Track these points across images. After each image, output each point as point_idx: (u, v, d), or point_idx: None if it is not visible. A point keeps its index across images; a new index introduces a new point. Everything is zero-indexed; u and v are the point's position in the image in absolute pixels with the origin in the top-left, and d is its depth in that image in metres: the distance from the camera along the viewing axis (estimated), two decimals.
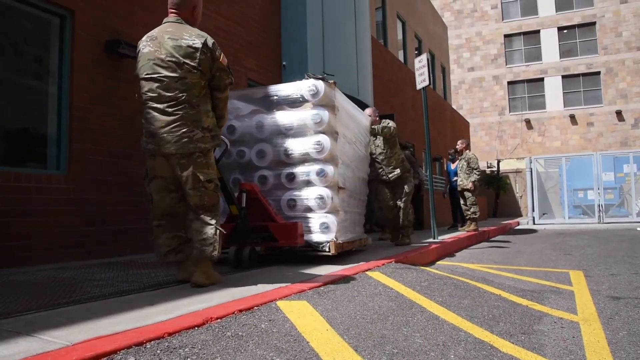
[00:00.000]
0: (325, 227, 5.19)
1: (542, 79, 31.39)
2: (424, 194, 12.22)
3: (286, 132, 5.44)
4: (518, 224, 18.70)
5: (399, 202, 7.43)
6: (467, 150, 11.23)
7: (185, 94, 3.43)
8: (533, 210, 18.84)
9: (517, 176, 26.70)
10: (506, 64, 32.33)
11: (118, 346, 2.18)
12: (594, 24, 30.50)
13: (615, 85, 29.69)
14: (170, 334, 2.38)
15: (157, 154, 3.49)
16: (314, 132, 5.34)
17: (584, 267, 6.13)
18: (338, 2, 10.54)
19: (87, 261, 5.58)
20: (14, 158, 5.52)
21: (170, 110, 3.40)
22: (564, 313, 3.57)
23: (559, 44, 31.26)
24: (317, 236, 5.19)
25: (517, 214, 26.03)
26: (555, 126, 30.55)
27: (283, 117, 5.45)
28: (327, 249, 5.09)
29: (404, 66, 17.05)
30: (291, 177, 5.37)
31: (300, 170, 5.35)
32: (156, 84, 3.44)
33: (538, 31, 31.70)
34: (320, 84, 5.34)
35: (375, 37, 14.82)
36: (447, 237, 9.09)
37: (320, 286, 3.69)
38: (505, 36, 32.47)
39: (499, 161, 27.49)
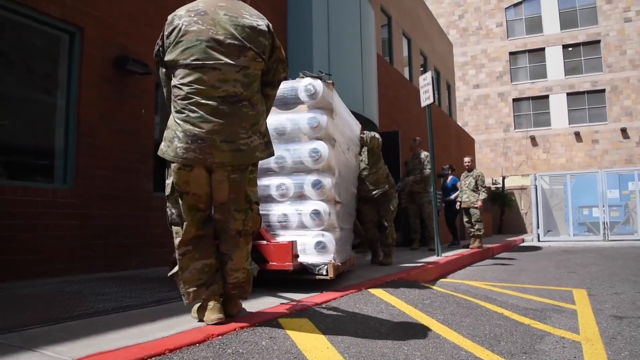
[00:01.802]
0: (321, 247, 4.51)
1: (547, 96, 31.43)
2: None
3: (277, 137, 4.71)
4: (523, 240, 18.64)
5: (385, 222, 6.95)
6: (475, 168, 11.23)
7: (245, 88, 2.72)
8: (538, 227, 18.78)
9: (522, 193, 26.64)
10: (511, 81, 32.41)
11: None
12: (598, 42, 30.60)
13: (620, 103, 29.70)
14: (171, 351, 2.40)
15: (197, 164, 2.68)
16: (310, 137, 4.74)
17: (587, 285, 6.11)
18: (344, 18, 10.65)
19: (92, 275, 5.61)
20: (21, 172, 5.59)
21: (226, 108, 2.64)
22: (566, 332, 3.56)
23: (564, 62, 31.34)
24: (312, 257, 4.47)
25: (522, 230, 25.94)
26: (560, 143, 30.54)
27: (273, 120, 4.61)
28: (325, 272, 4.39)
29: (409, 83, 17.14)
30: (282, 188, 4.70)
31: (293, 181, 4.71)
32: (209, 74, 2.63)
33: (543, 49, 31.81)
34: (319, 84, 4.73)
35: (381, 54, 14.93)
36: (450, 254, 9.08)
37: (321, 303, 3.70)
38: (511, 54, 32.60)
39: (504, 178, 27.46)
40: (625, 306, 4.63)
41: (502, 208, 25.96)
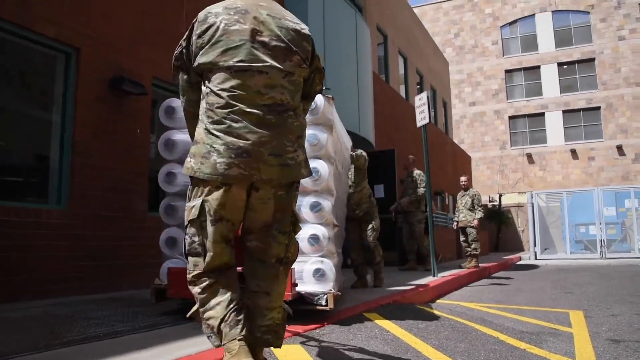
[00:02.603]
0: (320, 275, 4.19)
1: (542, 114, 31.61)
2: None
3: None
4: (520, 259, 18.60)
5: (370, 242, 6.87)
6: (471, 187, 11.26)
7: (292, 97, 2.37)
8: (535, 245, 18.76)
9: (518, 210, 26.67)
10: (507, 99, 32.61)
11: None
12: (593, 60, 30.87)
13: (615, 120, 29.88)
14: None
15: (240, 182, 2.26)
16: (309, 156, 4.48)
17: (584, 306, 6.08)
18: (340, 37, 10.72)
19: (84, 296, 5.56)
20: (16, 192, 5.57)
21: (272, 118, 2.28)
22: (562, 358, 3.53)
23: (559, 79, 31.58)
24: (310, 286, 4.15)
25: (519, 248, 25.91)
26: (556, 160, 30.65)
27: None
28: (324, 303, 4.05)
29: (405, 101, 17.23)
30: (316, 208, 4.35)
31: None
32: (255, 78, 2.26)
33: (538, 67, 32.07)
34: (320, 99, 4.46)
35: (377, 72, 15.01)
36: (447, 274, 9.05)
37: (315, 329, 3.67)
38: (506, 71, 32.84)
39: (500, 195, 27.50)
40: (622, 329, 4.60)
41: (498, 226, 25.97)
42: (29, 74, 5.89)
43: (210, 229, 2.27)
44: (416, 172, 10.40)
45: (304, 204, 4.36)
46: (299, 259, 3.96)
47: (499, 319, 5.05)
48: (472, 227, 10.75)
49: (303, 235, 4.19)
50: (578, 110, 30.93)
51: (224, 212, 2.28)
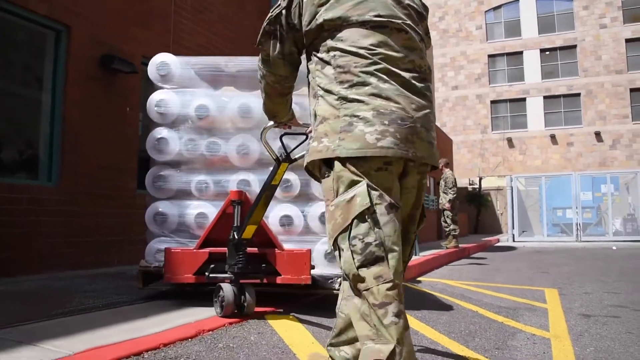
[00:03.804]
0: (332, 256, 3.77)
1: (524, 99, 31.97)
2: None
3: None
4: (498, 241, 19.00)
5: None
6: (446, 169, 11.56)
7: (427, 66, 1.89)
8: (513, 227, 19.17)
9: (498, 194, 27.10)
10: (489, 84, 32.89)
11: (117, 356, 2.32)
12: (574, 46, 31.22)
13: (594, 107, 30.36)
14: (165, 345, 2.53)
15: (396, 158, 1.72)
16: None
17: (559, 285, 6.35)
18: None
19: (75, 272, 5.67)
20: (6, 169, 5.63)
21: (417, 85, 1.79)
22: (537, 330, 3.76)
23: (541, 65, 31.91)
24: (321, 269, 3.83)
25: (498, 230, 26.39)
26: (536, 145, 31.10)
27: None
28: (338, 286, 3.60)
29: None
30: (287, 185, 3.99)
31: (299, 177, 4.04)
32: (394, 36, 1.79)
33: (521, 52, 32.34)
34: None
35: None
36: (428, 253, 9.30)
37: (308, 302, 3.85)
38: (489, 56, 33.07)
39: (480, 178, 27.89)
40: (593, 305, 4.86)
41: (478, 208, 26.38)
42: (19, 51, 5.91)
43: (389, 218, 1.67)
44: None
45: (313, 180, 3.79)
46: (308, 238, 3.99)
47: (478, 296, 5.29)
48: (445, 208, 11.19)
49: (313, 213, 3.98)
50: (559, 96, 31.33)
51: (392, 195, 1.71)
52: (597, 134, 30.02)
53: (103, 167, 6.35)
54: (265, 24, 1.98)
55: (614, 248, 14.61)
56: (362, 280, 1.60)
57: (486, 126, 32.62)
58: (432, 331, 3.44)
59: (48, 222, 5.65)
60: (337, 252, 1.70)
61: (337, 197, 1.69)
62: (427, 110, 1.78)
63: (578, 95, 30.91)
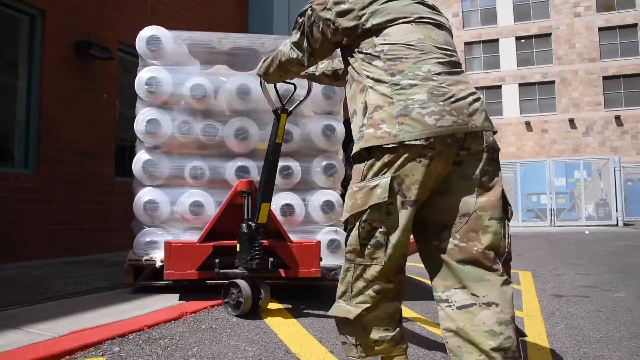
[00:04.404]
0: (336, 247, 3.75)
1: (499, 86, 32.33)
2: None
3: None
4: None
5: None
6: None
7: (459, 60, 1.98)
8: None
9: None
10: (466, 71, 33.13)
11: (102, 337, 2.37)
12: (549, 35, 31.60)
13: (568, 94, 30.85)
14: (149, 327, 2.58)
15: (447, 142, 1.74)
16: (323, 111, 3.98)
17: (532, 267, 6.51)
18: (305, 4, 10.77)
19: (53, 259, 5.65)
20: None
21: (458, 71, 1.90)
22: None
23: (517, 53, 32.26)
24: (324, 260, 3.64)
25: None
26: (511, 132, 31.52)
27: (282, 84, 3.46)
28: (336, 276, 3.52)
29: None
30: (287, 172, 3.80)
31: (300, 164, 3.89)
32: (435, 32, 1.94)
33: (497, 40, 32.63)
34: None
35: None
36: None
37: (288, 285, 3.91)
38: (466, 44, 33.30)
39: None
40: (565, 286, 5.01)
41: None
42: None
43: (401, 213, 1.76)
44: None
45: (316, 166, 3.92)
46: (309, 228, 3.82)
47: None
48: None
49: (316, 202, 3.83)
50: (534, 83, 31.75)
51: (419, 192, 1.75)
52: (571, 121, 30.54)
53: (80, 154, 6.30)
54: (322, 6, 2.03)
55: (587, 232, 14.96)
56: (361, 255, 1.80)
57: None
58: (410, 312, 3.54)
59: (25, 209, 5.61)
60: (348, 225, 1.85)
61: (362, 180, 1.79)
62: (472, 91, 1.86)
63: (552, 82, 31.36)
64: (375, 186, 1.75)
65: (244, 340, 2.59)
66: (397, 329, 1.86)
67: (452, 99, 1.75)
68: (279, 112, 3.08)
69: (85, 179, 6.36)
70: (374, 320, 1.82)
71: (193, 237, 3.54)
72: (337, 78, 2.70)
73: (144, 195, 3.72)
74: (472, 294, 1.70)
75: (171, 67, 3.89)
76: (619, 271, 6.04)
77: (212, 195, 3.73)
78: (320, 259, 3.49)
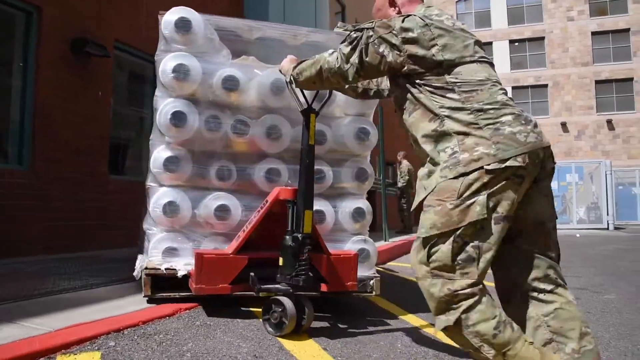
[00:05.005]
0: (364, 256, 3.54)
1: None
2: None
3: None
4: None
5: None
6: (404, 161, 12.32)
7: None
8: None
9: None
10: None
11: (98, 332, 2.39)
12: (543, 38, 31.81)
13: (561, 98, 31.05)
14: (144, 322, 2.60)
15: (537, 150, 1.94)
16: (356, 112, 3.75)
17: None
18: (299, 7, 10.81)
19: (48, 256, 5.65)
20: None
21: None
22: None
23: (510, 56, 32.47)
24: None
25: None
26: None
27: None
28: (370, 289, 3.47)
29: None
30: (320, 176, 3.52)
31: (332, 168, 3.66)
32: (491, 70, 2.16)
33: (490, 43, 32.80)
34: None
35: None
36: (397, 239, 9.48)
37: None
38: None
39: None
40: None
41: None
42: None
43: (494, 228, 1.88)
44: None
45: (348, 171, 3.71)
46: (338, 236, 3.60)
47: None
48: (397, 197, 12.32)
49: (346, 209, 3.62)
50: (527, 87, 31.94)
51: (510, 209, 1.90)
52: (563, 125, 30.74)
53: (75, 151, 6.30)
54: (396, 32, 2.11)
55: (578, 235, 15.09)
56: (452, 270, 1.87)
57: None
58: (401, 310, 3.58)
59: (19, 205, 5.60)
60: (432, 241, 1.90)
61: (459, 198, 1.87)
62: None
63: (545, 86, 31.56)
64: (472, 203, 1.86)
65: (238, 337, 2.61)
66: (502, 316, 1.86)
67: (529, 120, 1.97)
68: (307, 112, 2.94)
69: (80, 177, 6.35)
70: (478, 318, 1.84)
71: (215, 244, 3.31)
72: (363, 95, 2.92)
73: (164, 196, 3.30)
74: (551, 292, 1.95)
75: (200, 55, 3.49)
76: (609, 274, 6.11)
77: (240, 199, 3.43)
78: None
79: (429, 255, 1.90)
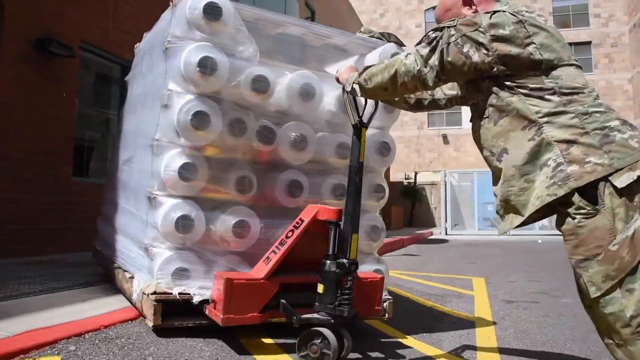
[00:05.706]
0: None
1: None
2: None
3: (336, 118, 3.30)
4: (431, 234, 19.62)
5: None
6: None
7: None
8: (446, 221, 19.84)
9: (432, 188, 27.91)
10: None
11: (58, 337, 2.36)
12: None
13: None
14: (106, 326, 2.58)
15: None
16: (379, 125, 3.42)
17: (486, 274, 6.70)
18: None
19: (7, 260, 5.51)
20: None
21: None
22: (463, 314, 4.01)
23: None
24: None
25: (432, 224, 27.20)
26: (470, 142, 32.18)
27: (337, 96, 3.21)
28: (383, 312, 3.19)
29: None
30: (340, 191, 3.26)
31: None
32: (584, 75, 1.98)
33: None
34: (391, 48, 3.45)
35: None
36: None
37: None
38: None
39: (416, 173, 28.63)
40: (516, 292, 5.19)
41: (413, 202, 27.12)
42: None
43: None
44: None
45: (365, 185, 3.08)
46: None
47: (410, 284, 5.54)
48: None
49: (362, 227, 2.98)
50: None
51: None
52: None
53: (36, 152, 6.17)
54: (486, 32, 1.89)
55: (540, 241, 15.43)
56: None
57: (423, 122, 33.45)
58: (396, 332, 3.62)
59: None
60: (617, 295, 1.63)
61: (617, 235, 1.63)
62: None
63: None
64: (634, 233, 1.63)
65: (201, 341, 2.61)
66: None
67: (634, 126, 1.78)
68: (359, 126, 2.63)
69: (41, 178, 6.23)
70: None
71: (231, 265, 2.91)
72: (416, 106, 2.61)
73: (176, 208, 2.83)
74: None
75: (226, 47, 2.99)
76: (567, 278, 6.26)
77: (260, 215, 3.05)
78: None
79: (624, 312, 1.60)
